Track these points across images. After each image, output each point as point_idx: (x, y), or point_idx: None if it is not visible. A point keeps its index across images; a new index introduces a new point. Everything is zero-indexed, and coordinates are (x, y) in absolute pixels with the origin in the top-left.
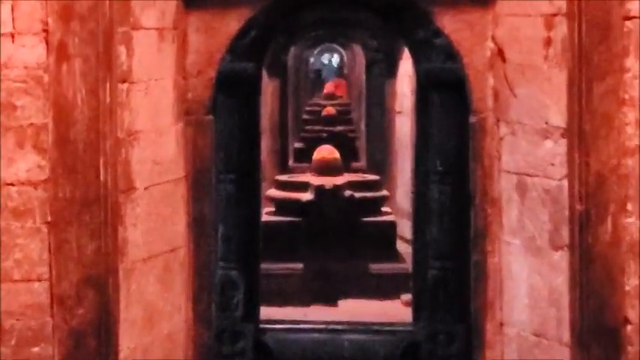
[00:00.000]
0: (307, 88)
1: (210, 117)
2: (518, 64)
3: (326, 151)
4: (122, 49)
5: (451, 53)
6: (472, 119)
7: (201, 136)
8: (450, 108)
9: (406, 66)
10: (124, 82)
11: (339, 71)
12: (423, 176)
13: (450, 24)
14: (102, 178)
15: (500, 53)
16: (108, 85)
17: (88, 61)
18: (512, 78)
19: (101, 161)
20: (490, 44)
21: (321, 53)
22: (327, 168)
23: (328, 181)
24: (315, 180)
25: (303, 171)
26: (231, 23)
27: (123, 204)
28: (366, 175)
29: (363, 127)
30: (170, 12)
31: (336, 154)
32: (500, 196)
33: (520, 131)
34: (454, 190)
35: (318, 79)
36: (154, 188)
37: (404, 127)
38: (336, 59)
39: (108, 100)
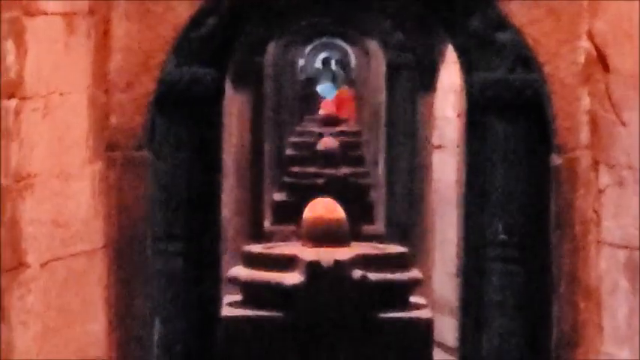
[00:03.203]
0: (294, 106)
1: (146, 153)
2: (629, 76)
3: (323, 208)
4: (9, 46)
5: (523, 56)
6: (555, 160)
7: (131, 183)
8: (521, 142)
9: (450, 75)
10: (11, 97)
11: (344, 81)
12: (477, 249)
13: (523, 11)
14: None
15: (601, 58)
16: None
17: None
18: (620, 97)
19: None
20: (585, 44)
21: (317, 53)
22: (324, 234)
23: (327, 255)
24: (307, 252)
25: (286, 238)
26: (180, 7)
27: (7, 290)
28: (385, 246)
29: (381, 169)
30: None
31: (339, 213)
32: (600, 282)
33: (631, 180)
34: (526, 272)
35: (310, 92)
36: (56, 265)
37: (446, 170)
38: (339, 62)
39: None
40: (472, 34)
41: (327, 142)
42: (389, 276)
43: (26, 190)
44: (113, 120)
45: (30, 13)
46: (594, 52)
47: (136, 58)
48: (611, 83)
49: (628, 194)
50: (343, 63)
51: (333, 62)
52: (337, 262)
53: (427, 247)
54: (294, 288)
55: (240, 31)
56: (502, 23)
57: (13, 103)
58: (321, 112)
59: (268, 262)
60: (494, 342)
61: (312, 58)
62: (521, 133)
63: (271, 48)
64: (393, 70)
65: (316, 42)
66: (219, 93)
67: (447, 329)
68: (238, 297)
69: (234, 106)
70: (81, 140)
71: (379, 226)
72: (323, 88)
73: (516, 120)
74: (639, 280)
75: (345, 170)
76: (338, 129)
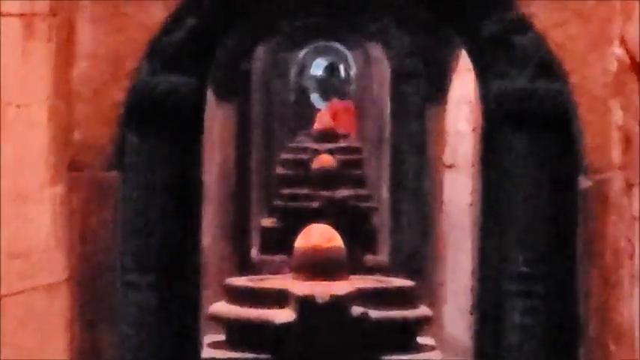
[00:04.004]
0: (286, 118)
1: (114, 173)
2: None
3: (318, 235)
4: None
5: (547, 63)
6: (583, 183)
7: (98, 208)
8: (544, 161)
9: (464, 84)
10: None
11: (343, 91)
12: (495, 282)
13: (546, 12)
14: None
15: (634, 66)
16: None
17: None
18: None
19: None
20: (617, 50)
21: (311, 58)
22: (319, 265)
23: (322, 289)
24: (299, 286)
25: (276, 270)
26: (154, 7)
27: None
28: (390, 279)
29: (385, 191)
30: None
31: (337, 241)
32: (634, 322)
33: None
34: (550, 310)
35: (304, 103)
36: (12, 300)
37: (459, 192)
38: (337, 69)
39: None
40: (488, 38)
41: (324, 160)
42: (393, 313)
43: None
44: (77, 135)
45: None
46: (627, 60)
47: (103, 65)
48: None
49: None
50: (342, 70)
51: (341, 69)
52: (334, 298)
53: (437, 281)
54: (285, 327)
55: (223, 34)
56: (522, 26)
57: None
58: (317, 125)
59: (255, 297)
60: None
61: (307, 64)
62: (545, 151)
63: (259, 53)
64: (398, 79)
65: (311, 46)
66: (200, 104)
67: None
68: (221, 337)
69: (217, 119)
70: (40, 159)
71: (383, 257)
72: (320, 98)
73: (539, 136)
74: None
75: (343, 192)
76: (336, 145)
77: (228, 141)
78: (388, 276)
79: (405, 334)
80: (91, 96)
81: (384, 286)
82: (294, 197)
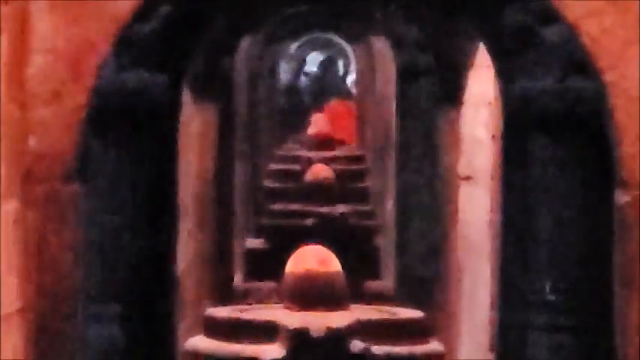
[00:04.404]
0: (275, 123)
1: (76, 186)
2: None
3: (313, 258)
4: None
5: (578, 60)
6: (621, 198)
7: (57, 227)
8: (574, 173)
9: (482, 83)
10: None
11: (342, 90)
12: (517, 314)
13: (579, 1)
14: None
15: None
16: None
17: None
18: None
19: None
20: None
21: (305, 52)
22: (314, 293)
23: (317, 321)
24: (291, 318)
25: (264, 298)
26: None
27: None
28: (395, 309)
29: (390, 207)
30: None
31: (334, 265)
32: None
33: None
34: (581, 345)
35: (296, 104)
36: None
37: (476, 209)
38: (335, 65)
39: None
40: (511, 30)
41: (319, 171)
42: (399, 349)
43: None
44: (32, 143)
45: None
46: None
47: (63, 61)
48: None
49: None
50: (340, 66)
51: (340, 65)
52: (331, 331)
53: (451, 311)
54: None
55: (202, 25)
56: (550, 16)
57: None
58: (311, 130)
59: (240, 330)
60: None
61: (300, 60)
62: (576, 162)
63: (245, 46)
64: (406, 76)
65: (304, 38)
66: (174, 106)
67: None
68: None
69: (195, 122)
70: None
71: (387, 283)
72: (315, 100)
73: (569, 143)
74: None
75: (342, 208)
76: (333, 153)
77: (208, 148)
78: (393, 306)
79: None
80: (48, 97)
81: (389, 317)
82: (284, 214)
